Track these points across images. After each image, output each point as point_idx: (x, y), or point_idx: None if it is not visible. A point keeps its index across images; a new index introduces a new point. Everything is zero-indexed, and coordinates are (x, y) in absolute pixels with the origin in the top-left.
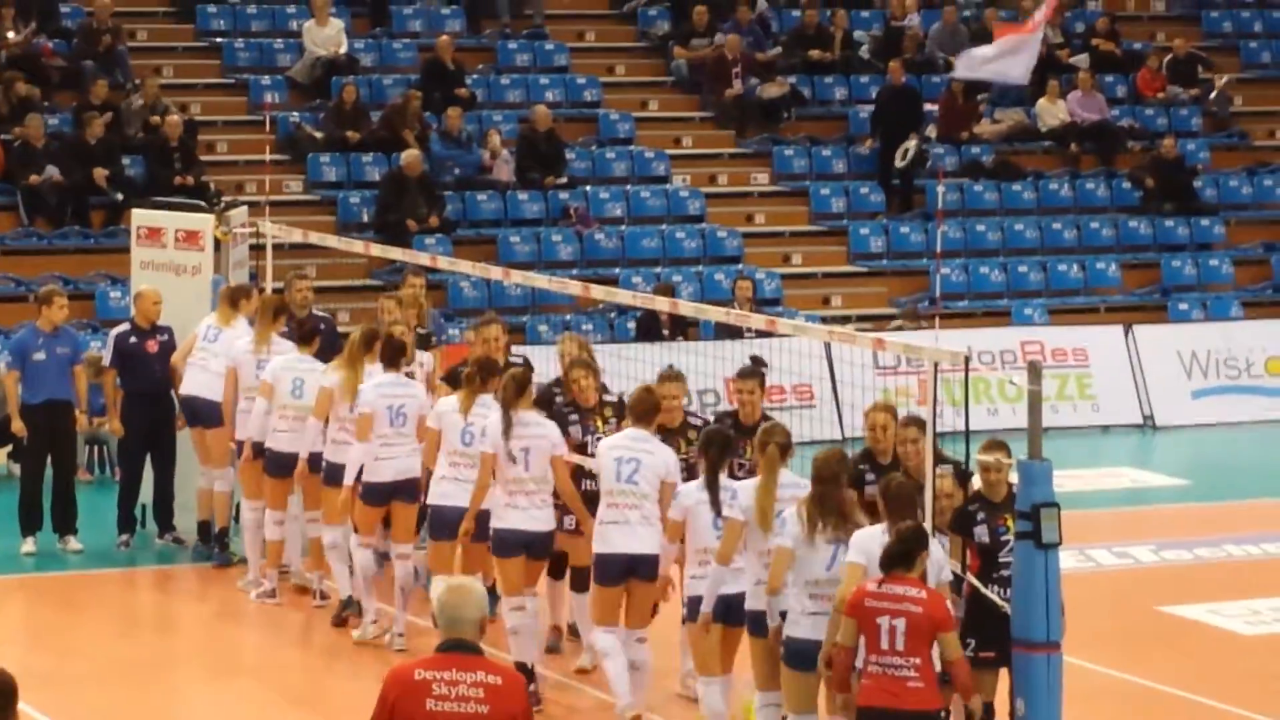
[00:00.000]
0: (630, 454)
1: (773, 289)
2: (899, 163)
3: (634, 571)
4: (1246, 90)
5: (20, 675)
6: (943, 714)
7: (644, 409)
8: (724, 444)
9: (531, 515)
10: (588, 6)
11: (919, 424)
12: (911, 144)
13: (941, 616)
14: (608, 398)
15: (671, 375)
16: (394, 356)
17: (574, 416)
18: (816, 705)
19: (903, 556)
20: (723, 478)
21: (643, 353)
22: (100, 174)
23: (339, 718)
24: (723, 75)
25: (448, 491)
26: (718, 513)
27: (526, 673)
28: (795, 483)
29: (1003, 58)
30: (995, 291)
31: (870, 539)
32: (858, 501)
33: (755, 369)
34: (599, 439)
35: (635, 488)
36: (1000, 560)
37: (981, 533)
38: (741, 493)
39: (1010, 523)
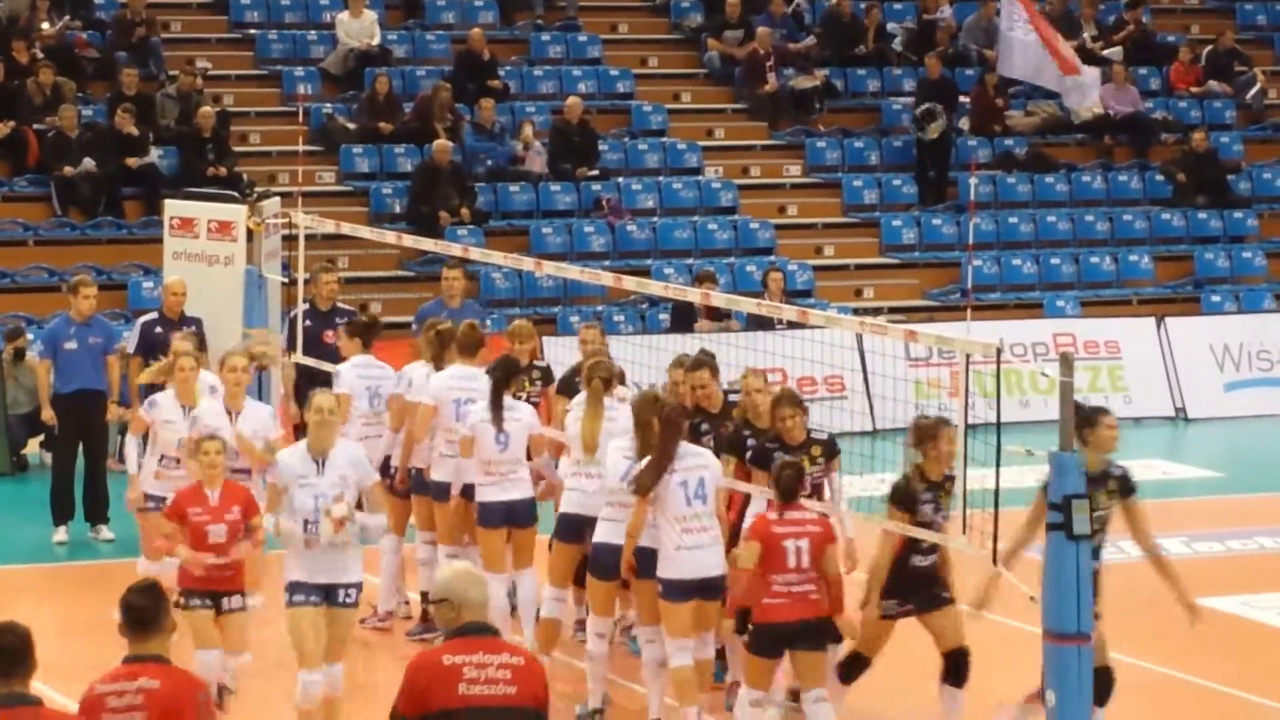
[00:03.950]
0: (466, 394)
1: (805, 281)
2: (926, 135)
3: (472, 495)
4: None
5: (52, 664)
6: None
7: (468, 342)
8: (508, 368)
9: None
10: None
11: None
12: (940, 118)
13: (830, 533)
14: (816, 435)
15: (700, 362)
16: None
17: (779, 455)
18: (614, 609)
19: (794, 489)
20: (508, 398)
21: (675, 344)
22: (133, 162)
23: (375, 703)
24: (756, 70)
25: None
26: (499, 429)
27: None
28: (615, 409)
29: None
30: (1027, 283)
31: (619, 451)
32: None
33: (943, 421)
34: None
35: None
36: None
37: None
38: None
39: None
